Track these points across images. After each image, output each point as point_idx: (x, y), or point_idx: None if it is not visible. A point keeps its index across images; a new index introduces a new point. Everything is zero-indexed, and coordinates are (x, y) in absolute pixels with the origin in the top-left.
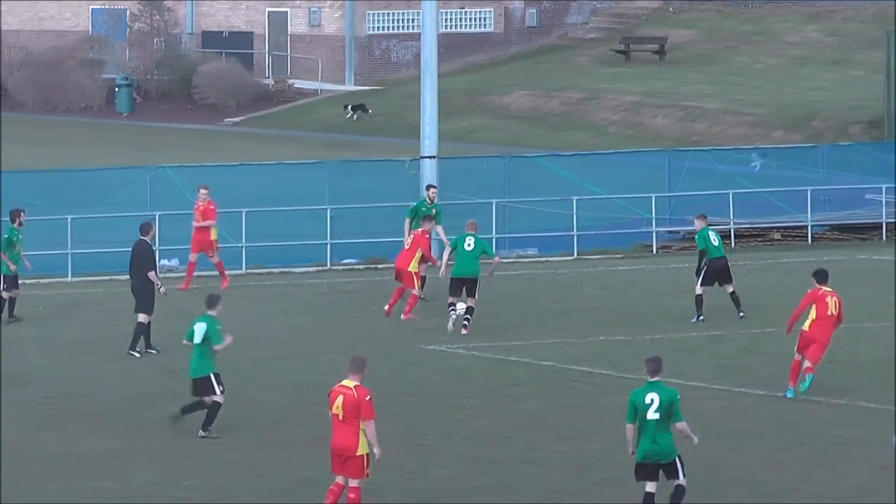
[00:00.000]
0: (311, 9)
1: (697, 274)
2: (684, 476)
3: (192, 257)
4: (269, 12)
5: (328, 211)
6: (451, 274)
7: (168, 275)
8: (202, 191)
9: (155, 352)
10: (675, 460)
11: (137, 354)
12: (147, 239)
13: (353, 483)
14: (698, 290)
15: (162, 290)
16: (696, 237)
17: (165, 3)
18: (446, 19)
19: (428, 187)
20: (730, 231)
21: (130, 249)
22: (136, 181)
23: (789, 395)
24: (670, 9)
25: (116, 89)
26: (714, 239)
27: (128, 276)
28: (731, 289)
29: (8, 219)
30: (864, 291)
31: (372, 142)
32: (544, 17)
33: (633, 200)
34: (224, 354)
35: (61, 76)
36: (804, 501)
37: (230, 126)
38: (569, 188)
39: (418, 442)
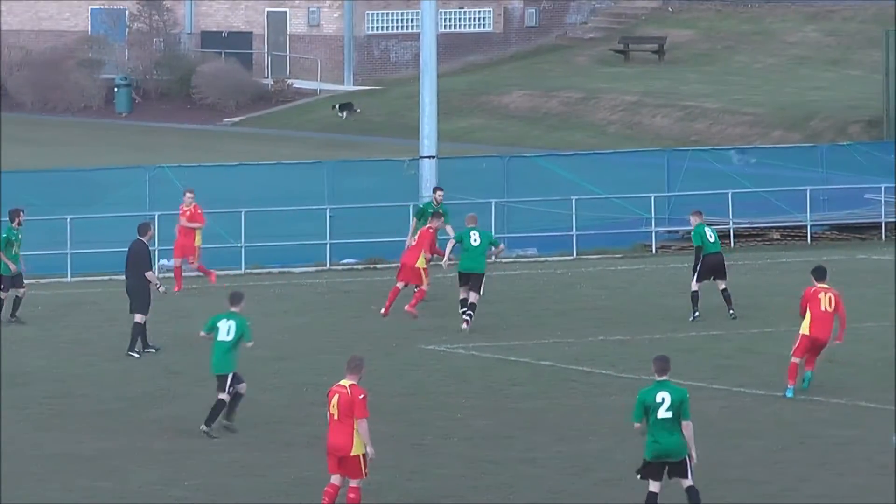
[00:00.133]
0: (311, 9)
1: (694, 272)
2: (692, 475)
3: (177, 262)
4: (268, 12)
5: (327, 211)
6: (459, 268)
7: (167, 275)
8: (188, 194)
9: (154, 350)
10: (684, 459)
11: (136, 355)
12: (145, 239)
13: (353, 483)
14: (694, 286)
15: (161, 289)
16: (692, 234)
17: (164, 3)
18: (445, 19)
19: (435, 190)
20: (729, 231)
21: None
22: (135, 181)
23: (789, 394)
24: (669, 9)
25: (115, 89)
26: (710, 235)
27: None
28: (723, 286)
29: (7, 219)
30: (864, 291)
31: (371, 142)
32: (543, 16)
33: (632, 200)
34: None
35: (60, 76)
36: (803, 501)
37: (229, 126)
38: (568, 188)
39: (417, 442)
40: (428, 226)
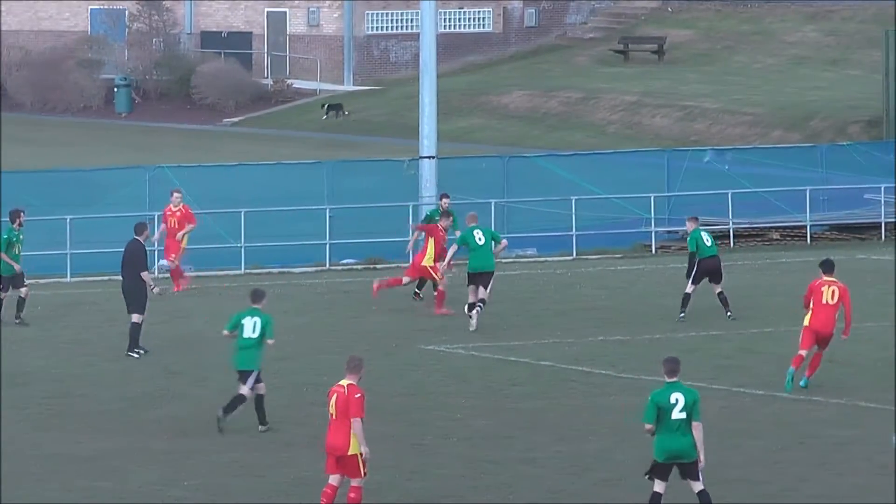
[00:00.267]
0: (310, 9)
1: (688, 276)
2: (702, 477)
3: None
4: (267, 12)
5: (327, 211)
6: (469, 269)
7: (166, 275)
8: (176, 195)
9: (143, 351)
10: (696, 461)
11: (136, 355)
12: (141, 239)
13: (354, 483)
14: (688, 288)
15: (156, 290)
16: (688, 239)
17: (164, 3)
18: (445, 19)
19: (441, 197)
20: (729, 231)
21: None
22: (135, 181)
23: (790, 373)
24: (669, 9)
25: (115, 89)
26: (707, 239)
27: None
28: (718, 289)
29: (8, 219)
30: (863, 291)
31: (370, 142)
32: (543, 16)
33: (631, 200)
34: (221, 355)
35: (60, 76)
36: (803, 501)
37: (229, 126)
38: (568, 188)
39: (417, 442)
40: (438, 224)
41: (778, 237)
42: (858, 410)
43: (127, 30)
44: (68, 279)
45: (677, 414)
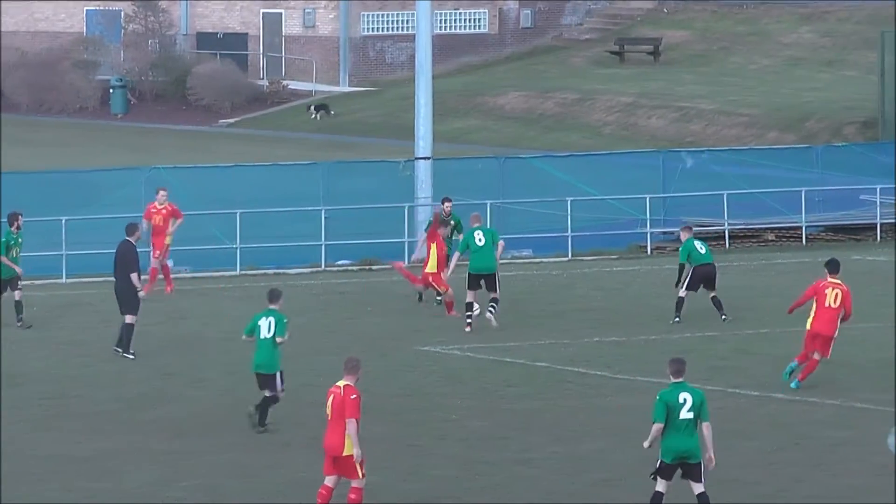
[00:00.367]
0: (306, 10)
1: (677, 286)
2: (705, 478)
3: (163, 261)
4: (263, 13)
5: (322, 212)
6: (469, 269)
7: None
8: (161, 192)
9: (118, 351)
10: (700, 462)
11: (132, 356)
12: (132, 240)
13: (354, 484)
14: (682, 293)
15: (142, 293)
16: (680, 250)
17: (160, 4)
18: (441, 20)
19: (443, 200)
20: (724, 232)
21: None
22: (131, 182)
23: (791, 365)
24: (664, 10)
25: (111, 90)
26: (700, 247)
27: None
28: (712, 294)
29: (6, 221)
30: (859, 292)
31: (366, 143)
32: (539, 18)
33: (627, 201)
34: (220, 355)
35: (56, 77)
36: (798, 502)
37: (225, 127)
38: (563, 189)
39: (413, 443)
40: (438, 230)
41: (773, 238)
42: (854, 411)
43: (123, 31)
44: (64, 280)
45: (685, 414)
